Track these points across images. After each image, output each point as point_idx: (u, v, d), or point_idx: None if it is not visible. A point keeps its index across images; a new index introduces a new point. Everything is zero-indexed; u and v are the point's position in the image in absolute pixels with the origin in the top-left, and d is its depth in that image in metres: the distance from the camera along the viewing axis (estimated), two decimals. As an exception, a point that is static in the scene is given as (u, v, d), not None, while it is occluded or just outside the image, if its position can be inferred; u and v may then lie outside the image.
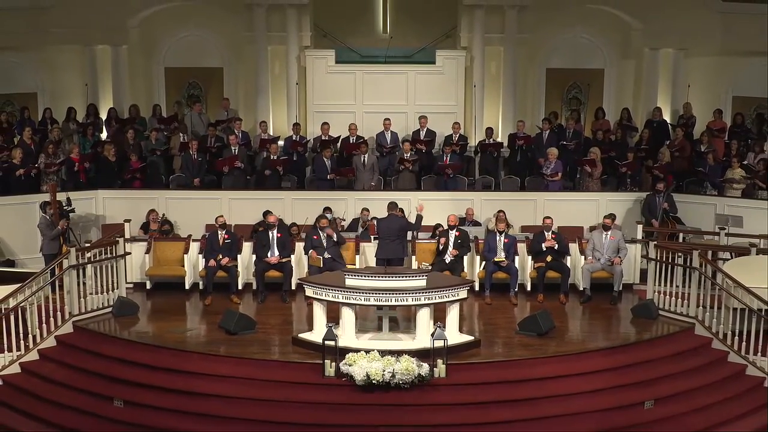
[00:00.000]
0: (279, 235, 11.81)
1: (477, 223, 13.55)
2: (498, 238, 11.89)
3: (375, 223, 12.52)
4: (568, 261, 11.96)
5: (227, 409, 8.77)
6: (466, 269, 11.97)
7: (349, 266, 11.42)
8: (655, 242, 11.27)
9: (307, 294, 9.98)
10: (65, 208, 12.72)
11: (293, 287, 11.80)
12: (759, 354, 9.72)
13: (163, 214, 13.53)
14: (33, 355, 9.87)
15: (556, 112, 16.75)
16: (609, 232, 11.81)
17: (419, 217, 11.82)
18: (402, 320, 10.15)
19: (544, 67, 17.29)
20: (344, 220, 13.61)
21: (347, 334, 9.41)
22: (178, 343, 9.79)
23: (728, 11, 16.26)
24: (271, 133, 15.93)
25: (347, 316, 9.48)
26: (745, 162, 14.47)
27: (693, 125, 16.16)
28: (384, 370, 8.69)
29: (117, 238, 11.30)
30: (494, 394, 8.95)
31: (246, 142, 15.34)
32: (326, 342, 8.99)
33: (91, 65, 16.64)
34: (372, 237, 12.53)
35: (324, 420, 8.64)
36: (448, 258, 11.75)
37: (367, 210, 13.42)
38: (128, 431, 8.67)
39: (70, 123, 15.73)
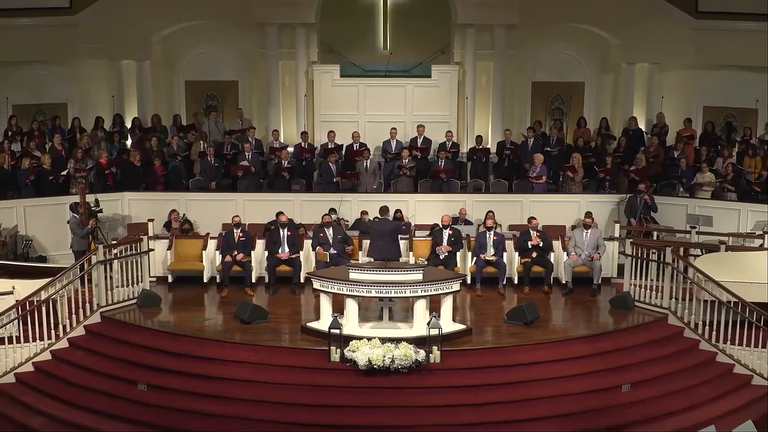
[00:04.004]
0: (289, 233, 11.80)
1: (469, 222, 13.54)
2: (488, 235, 11.88)
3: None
4: (552, 257, 11.95)
5: (242, 391, 8.77)
6: (458, 264, 11.96)
7: (352, 262, 11.42)
8: (632, 240, 11.25)
9: (314, 287, 9.94)
10: (94, 208, 12.72)
11: (302, 281, 11.79)
12: (728, 342, 9.71)
13: (184, 214, 13.52)
14: (63, 344, 9.86)
15: (541, 121, 16.76)
16: (589, 231, 11.80)
17: (408, 224, 11.93)
18: (400, 310, 10.14)
19: (529, 81, 17.28)
20: (348, 221, 13.59)
21: (351, 323, 9.41)
22: (197, 331, 9.79)
23: (700, 28, 16.21)
24: (282, 141, 15.93)
25: (351, 306, 9.48)
26: (715, 167, 14.47)
27: (666, 133, 16.16)
28: (384, 356, 8.70)
29: (141, 236, 11.29)
30: (485, 378, 8.95)
31: (259, 149, 15.34)
32: (332, 330, 8.99)
33: (117, 78, 16.66)
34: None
35: (330, 401, 8.64)
36: (442, 254, 11.74)
37: (366, 212, 13.42)
38: (151, 412, 8.65)
39: (97, 131, 15.73)
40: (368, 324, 9.72)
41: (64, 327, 9.95)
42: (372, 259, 11.50)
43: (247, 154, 14.67)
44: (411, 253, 12.12)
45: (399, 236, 11.72)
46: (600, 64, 17.20)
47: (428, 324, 9.08)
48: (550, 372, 9.06)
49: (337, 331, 8.99)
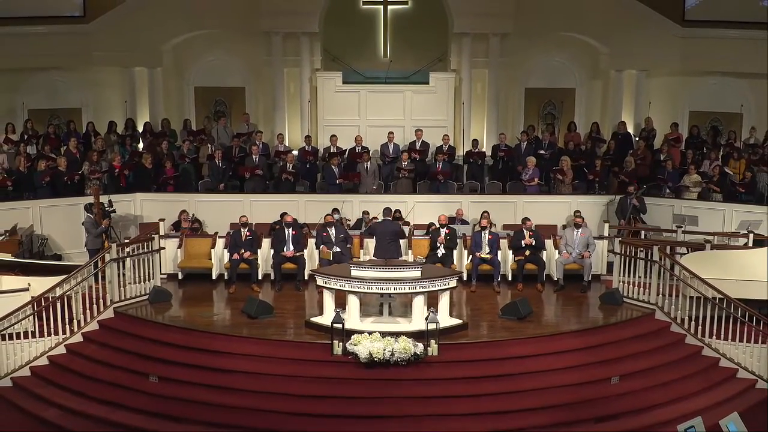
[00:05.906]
0: (294, 232, 11.80)
1: (465, 222, 13.53)
2: (483, 234, 11.88)
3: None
4: (544, 255, 11.93)
5: (249, 383, 8.79)
6: (455, 262, 11.95)
7: (354, 259, 11.41)
8: (620, 238, 11.24)
9: (318, 283, 9.97)
10: (107, 209, 12.71)
11: (306, 277, 11.77)
12: (713, 337, 9.70)
13: (193, 214, 13.52)
14: (77, 338, 9.87)
15: (534, 126, 16.74)
16: (579, 230, 11.79)
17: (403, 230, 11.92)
18: (400, 306, 10.14)
19: (523, 87, 17.27)
20: (349, 220, 13.59)
21: (352, 318, 9.41)
22: (206, 326, 9.81)
23: (686, 36, 16.21)
24: (287, 144, 15.94)
25: (353, 302, 9.48)
26: (701, 169, 14.46)
27: (654, 137, 16.14)
28: (384, 350, 8.70)
29: (153, 235, 11.29)
30: (480, 370, 8.96)
31: (266, 153, 15.34)
32: (334, 325, 8.99)
33: (130, 84, 16.65)
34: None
35: (332, 392, 8.65)
36: (439, 252, 11.74)
37: (368, 212, 13.42)
38: (162, 404, 8.65)
39: (111, 135, 15.73)
40: (369, 319, 9.73)
41: (79, 322, 9.95)
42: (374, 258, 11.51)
43: (254, 157, 14.67)
44: (410, 251, 12.11)
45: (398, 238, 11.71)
46: (590, 71, 17.19)
47: (426, 319, 9.08)
48: (542, 365, 9.07)
49: (340, 326, 8.98)
